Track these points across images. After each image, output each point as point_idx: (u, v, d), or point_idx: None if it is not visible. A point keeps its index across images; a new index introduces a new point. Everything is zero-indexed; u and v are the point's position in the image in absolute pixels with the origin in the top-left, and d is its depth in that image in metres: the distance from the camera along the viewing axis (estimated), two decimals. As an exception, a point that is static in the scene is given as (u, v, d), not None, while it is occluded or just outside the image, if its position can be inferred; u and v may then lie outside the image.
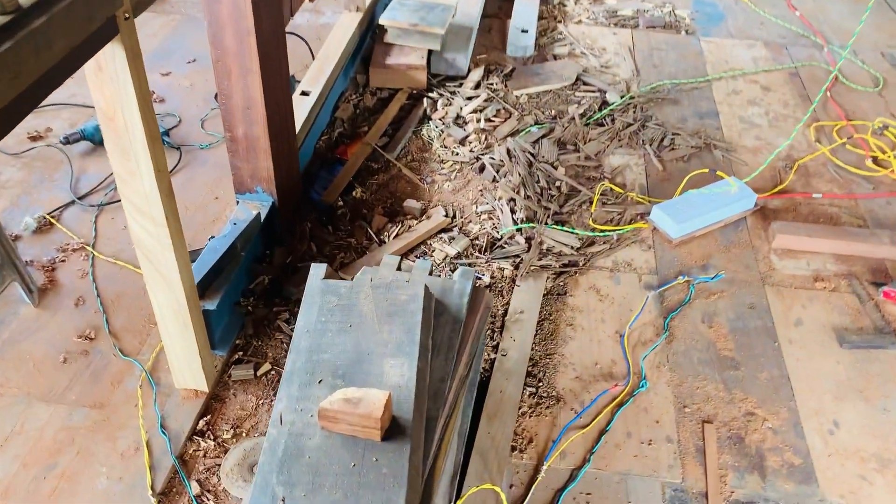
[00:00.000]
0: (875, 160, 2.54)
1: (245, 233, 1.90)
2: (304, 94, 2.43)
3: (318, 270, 1.49)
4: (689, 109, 2.79)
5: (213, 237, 1.89)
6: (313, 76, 2.52)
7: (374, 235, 2.16)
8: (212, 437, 1.65)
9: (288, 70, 2.02)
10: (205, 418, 1.68)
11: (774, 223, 2.22)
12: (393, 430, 1.22)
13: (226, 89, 1.83)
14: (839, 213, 2.33)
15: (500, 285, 2.03)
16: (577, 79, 2.90)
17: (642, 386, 1.79)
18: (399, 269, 1.66)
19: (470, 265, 2.08)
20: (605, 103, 2.78)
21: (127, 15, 1.19)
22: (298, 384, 1.29)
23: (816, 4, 3.58)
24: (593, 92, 2.84)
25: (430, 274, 1.65)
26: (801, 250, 2.18)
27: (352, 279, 1.98)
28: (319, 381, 1.30)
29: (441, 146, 2.56)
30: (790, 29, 3.35)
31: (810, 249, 2.17)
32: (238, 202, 2.04)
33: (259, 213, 1.97)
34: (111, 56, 1.20)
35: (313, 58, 2.65)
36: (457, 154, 2.52)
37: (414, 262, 2.05)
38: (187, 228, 2.19)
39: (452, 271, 2.06)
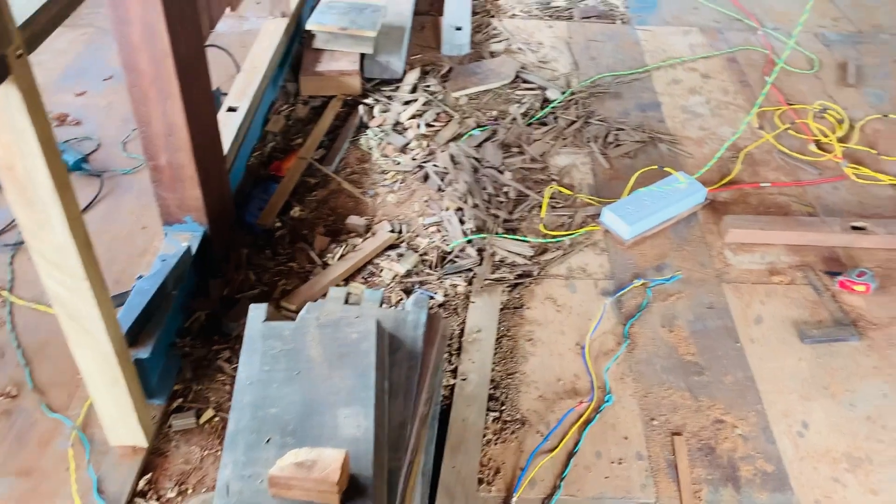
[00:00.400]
0: (818, 144, 2.53)
1: (176, 269, 1.76)
2: (231, 109, 2.28)
3: (257, 312, 1.37)
4: (631, 102, 2.74)
5: (140, 276, 1.75)
6: (240, 89, 2.38)
7: (316, 258, 2.05)
8: (155, 497, 1.52)
9: (211, 88, 1.88)
10: (146, 477, 1.55)
11: (726, 217, 2.19)
12: (352, 490, 1.11)
13: (144, 116, 1.68)
14: (788, 202, 2.31)
15: (454, 303, 1.94)
16: (517, 76, 2.82)
17: (608, 400, 1.73)
18: (347, 301, 1.55)
19: (421, 283, 1.98)
20: (546, 101, 2.71)
21: (19, 52, 1.05)
22: (244, 446, 1.17)
23: (747, -14, 3.58)
24: (534, 89, 2.76)
25: (382, 304, 1.55)
26: (754, 243, 2.15)
27: (296, 309, 1.87)
28: (267, 441, 1.18)
29: (381, 155, 2.44)
30: (724, 13, 3.34)
31: (763, 242, 2.15)
32: (166, 234, 1.90)
33: (189, 246, 1.84)
34: (5, 100, 1.06)
35: (238, 69, 2.50)
36: (398, 163, 2.41)
37: (362, 286, 1.95)
38: (113, 263, 2.04)
39: (404, 291, 1.97)
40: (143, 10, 1.54)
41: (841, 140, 2.56)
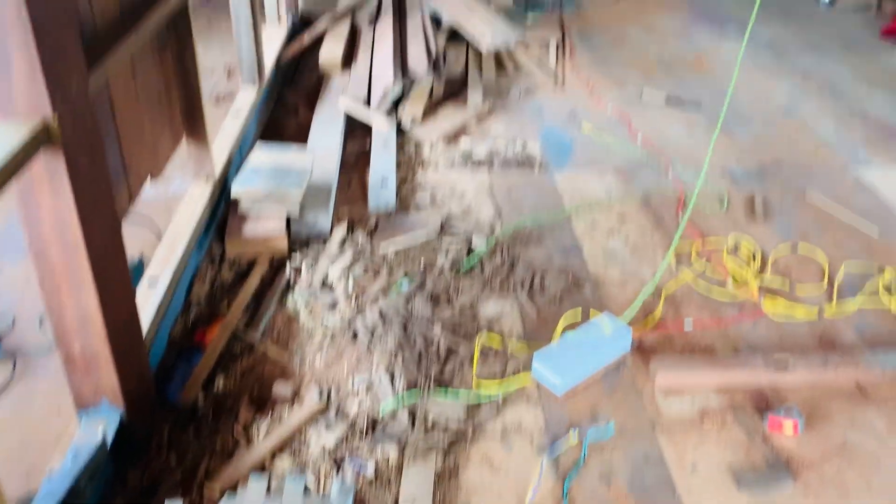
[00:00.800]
0: (735, 280, 2.63)
1: (90, 463, 1.66)
2: (152, 281, 2.25)
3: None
4: (554, 247, 2.82)
5: (51, 472, 1.64)
6: (163, 258, 2.35)
7: (241, 434, 1.97)
8: None
9: (128, 270, 1.86)
10: None
11: (653, 362, 2.22)
12: None
13: (56, 306, 1.64)
14: (712, 342, 2.36)
15: (386, 474, 1.88)
16: (442, 227, 2.89)
17: (550, 572, 1.66)
18: (269, 488, 1.49)
19: (352, 453, 1.92)
20: (471, 250, 2.76)
21: None
22: None
23: (654, 127, 3.81)
24: (459, 239, 2.82)
25: (306, 490, 1.49)
26: (683, 387, 2.17)
27: (218, 495, 1.77)
28: None
29: (309, 316, 2.42)
30: (635, 154, 3.53)
31: (692, 385, 2.17)
32: (80, 420, 1.81)
33: (105, 436, 1.75)
34: None
35: (161, 237, 2.49)
36: (326, 324, 2.39)
37: (288, 465, 1.87)
38: (26, 452, 1.92)
39: (334, 461, 1.89)
40: (53, 200, 1.53)
41: (756, 275, 2.66)
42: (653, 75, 4.50)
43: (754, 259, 2.74)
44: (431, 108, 3.83)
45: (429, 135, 3.61)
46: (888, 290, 2.58)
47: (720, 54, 4.84)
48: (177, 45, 2.50)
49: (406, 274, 2.60)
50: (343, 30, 4.55)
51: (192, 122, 2.62)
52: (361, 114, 3.65)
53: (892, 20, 5.40)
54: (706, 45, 5.01)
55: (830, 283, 2.63)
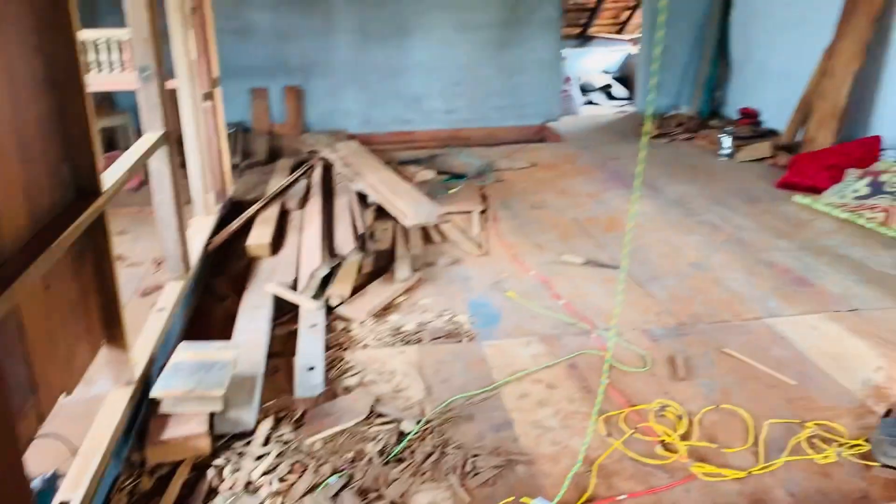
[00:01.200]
0: (664, 445, 2.65)
1: None
2: None
3: None
4: (485, 423, 2.80)
5: None
6: (76, 475, 2.25)
7: None
8: None
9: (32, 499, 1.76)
10: None
11: (588, 544, 2.17)
12: None
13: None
14: (646, 514, 2.34)
15: None
16: (371, 410, 2.86)
17: None
18: None
19: None
20: (401, 434, 2.73)
21: None
22: None
23: (577, 290, 3.94)
24: (389, 423, 2.79)
25: None
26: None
27: None
28: None
29: (233, 523, 2.32)
30: (560, 319, 3.62)
31: (629, 565, 2.12)
32: None
33: None
34: None
35: (76, 451, 2.39)
36: (251, 530, 2.28)
37: None
38: None
39: None
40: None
41: (683, 437, 2.69)
42: (572, 238, 4.72)
43: (680, 420, 2.78)
44: (360, 285, 3.90)
45: (358, 312, 3.66)
46: (811, 444, 2.63)
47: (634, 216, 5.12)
48: (94, 251, 2.53)
49: (334, 469, 2.54)
50: (272, 213, 4.69)
51: (111, 329, 2.60)
52: (289, 297, 3.68)
53: (786, 171, 5.86)
54: (619, 206, 5.31)
55: (756, 442, 2.66)
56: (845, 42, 5.92)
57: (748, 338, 3.40)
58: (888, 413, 2.66)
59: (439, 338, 3.46)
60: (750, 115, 7.45)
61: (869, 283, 3.95)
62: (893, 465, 2.48)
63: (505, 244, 4.63)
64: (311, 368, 3.08)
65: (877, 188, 5.09)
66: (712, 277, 4.08)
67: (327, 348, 3.35)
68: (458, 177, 5.94)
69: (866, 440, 2.62)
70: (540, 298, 3.87)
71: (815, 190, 5.43)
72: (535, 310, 3.73)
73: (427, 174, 5.70)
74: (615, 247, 4.53)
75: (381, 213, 4.82)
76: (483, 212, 5.15)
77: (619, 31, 11.57)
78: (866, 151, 5.65)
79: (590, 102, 9.71)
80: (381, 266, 4.18)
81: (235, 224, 4.49)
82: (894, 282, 3.97)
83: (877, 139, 5.71)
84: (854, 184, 5.27)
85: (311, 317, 3.52)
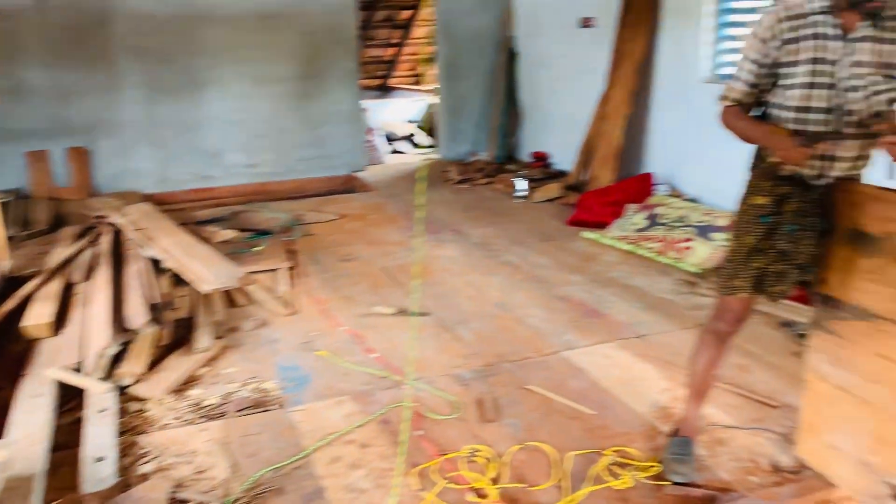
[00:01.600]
0: (476, 492, 2.67)
1: None
2: None
3: None
4: (295, 495, 2.69)
5: None
6: None
7: None
8: None
9: None
10: None
11: None
12: None
13: None
14: (461, 566, 2.34)
15: None
16: (172, 498, 2.64)
17: None
18: None
19: None
20: (205, 519, 2.55)
21: None
22: None
23: (389, 342, 3.94)
24: (191, 509, 2.60)
25: None
26: None
27: None
28: None
29: None
30: (372, 373, 3.59)
31: None
32: None
33: None
34: None
35: None
36: None
37: None
38: None
39: None
40: None
41: (494, 481, 2.74)
42: (382, 288, 4.73)
43: (490, 463, 2.83)
44: (157, 359, 3.64)
45: (154, 390, 3.40)
46: (610, 471, 2.78)
47: (440, 261, 5.24)
48: None
49: (128, 568, 2.31)
50: (54, 288, 4.29)
51: None
52: (74, 381, 3.36)
53: (575, 209, 6.29)
54: (428, 252, 5.42)
55: (561, 475, 2.77)
56: (615, 90, 6.52)
57: (549, 372, 3.56)
58: (674, 433, 2.87)
59: (245, 409, 3.29)
60: (541, 158, 7.96)
61: (651, 310, 4.30)
62: (682, 483, 2.68)
63: (315, 300, 4.55)
64: (100, 459, 2.81)
65: (653, 220, 5.60)
66: (515, 316, 4.25)
67: (120, 434, 3.07)
68: (264, 233, 5.78)
69: (658, 461, 2.82)
70: (352, 354, 3.82)
71: (601, 225, 5.87)
72: (347, 367, 3.68)
73: (229, 233, 5.49)
74: (425, 294, 4.60)
75: (180, 278, 4.57)
76: (291, 268, 5.04)
77: (418, 83, 11.99)
78: (642, 187, 6.22)
79: (396, 151, 9.92)
80: (181, 336, 3.93)
81: (10, 304, 4.05)
82: (673, 306, 4.36)
83: (649, 176, 6.30)
84: (633, 217, 5.76)
85: (99, 401, 3.22)
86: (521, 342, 3.90)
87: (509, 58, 8.34)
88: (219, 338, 3.93)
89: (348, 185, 7.91)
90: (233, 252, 5.08)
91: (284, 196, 7.45)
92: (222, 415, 3.24)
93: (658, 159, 6.47)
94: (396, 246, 5.60)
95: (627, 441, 2.98)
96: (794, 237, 2.45)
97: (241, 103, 7.53)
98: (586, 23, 7.13)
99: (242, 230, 5.78)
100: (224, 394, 3.41)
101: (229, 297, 4.49)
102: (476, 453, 2.90)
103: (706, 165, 5.78)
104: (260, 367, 3.68)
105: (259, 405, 3.32)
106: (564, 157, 7.52)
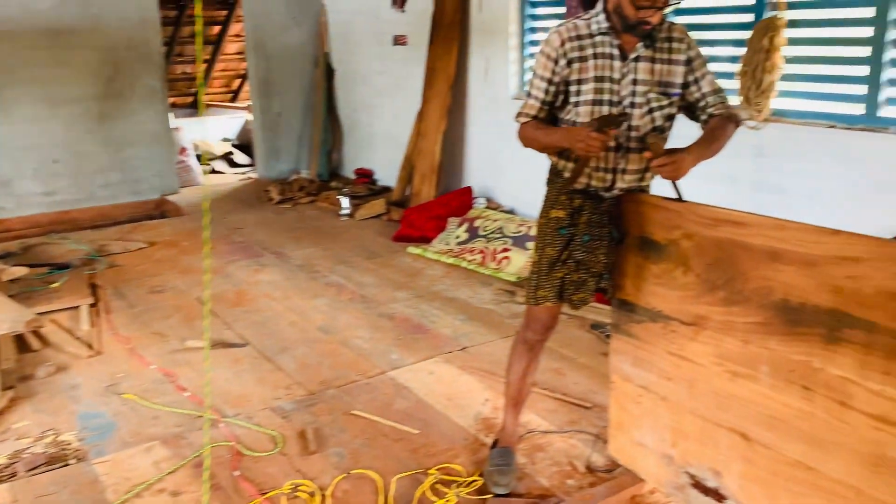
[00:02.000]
0: (298, 529, 2.56)
1: None
2: None
3: None
4: (97, 559, 2.45)
5: None
6: None
7: None
8: None
9: None
10: None
11: None
12: None
13: None
14: None
15: None
16: (-57, 583, 2.31)
17: None
18: None
19: None
20: None
21: None
22: None
23: (203, 377, 3.70)
24: (-32, 593, 2.28)
25: None
26: None
27: None
28: None
29: None
30: (185, 413, 3.36)
31: None
32: None
33: None
34: None
35: None
36: None
37: None
38: None
39: None
40: None
41: (317, 515, 2.64)
42: (197, 320, 4.47)
43: (313, 498, 2.73)
44: (-72, 422, 3.20)
45: (-75, 458, 2.98)
46: (434, 491, 2.77)
47: (260, 287, 5.05)
48: None
49: None
50: None
51: None
52: None
53: (400, 225, 6.31)
54: (246, 279, 5.20)
55: (386, 501, 2.72)
56: (431, 106, 6.62)
57: (375, 394, 3.51)
58: (495, 444, 2.92)
59: (38, 466, 2.96)
60: (365, 175, 7.93)
61: (473, 321, 4.38)
62: (503, 494, 2.72)
63: (120, 339, 4.21)
64: None
65: (473, 233, 5.73)
66: (339, 339, 4.16)
67: None
68: (62, 267, 5.29)
69: (480, 474, 2.85)
70: (162, 395, 3.56)
71: (426, 240, 5.93)
72: (157, 408, 3.42)
73: (19, 270, 4.96)
74: (244, 323, 4.40)
75: (-41, 325, 4.05)
76: (93, 305, 4.64)
77: (233, 99, 11.58)
78: (462, 201, 6.35)
79: (213, 171, 9.49)
80: (-40, 391, 3.48)
81: None
82: (493, 316, 4.47)
83: (469, 189, 6.46)
84: (455, 231, 5.87)
85: None
86: (346, 366, 3.83)
87: (327, 74, 8.25)
88: (8, 388, 3.52)
89: (159, 210, 7.45)
90: (24, 291, 4.60)
91: (87, 225, 6.87)
92: (12, 476, 2.89)
93: (476, 173, 6.65)
94: (212, 274, 5.32)
95: (452, 457, 2.99)
96: (590, 247, 2.57)
97: (31, 127, 6.86)
98: (399, 40, 7.21)
99: (36, 265, 5.25)
100: (13, 452, 3.05)
101: (22, 343, 4.05)
102: (298, 488, 2.79)
103: (519, 178, 6.00)
104: (56, 419, 3.33)
105: (55, 461, 3.00)
106: (388, 173, 7.54)
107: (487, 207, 6.18)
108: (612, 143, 2.43)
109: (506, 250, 5.33)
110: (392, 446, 3.08)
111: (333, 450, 3.06)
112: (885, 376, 1.93)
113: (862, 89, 3.89)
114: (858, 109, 3.92)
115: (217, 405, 3.42)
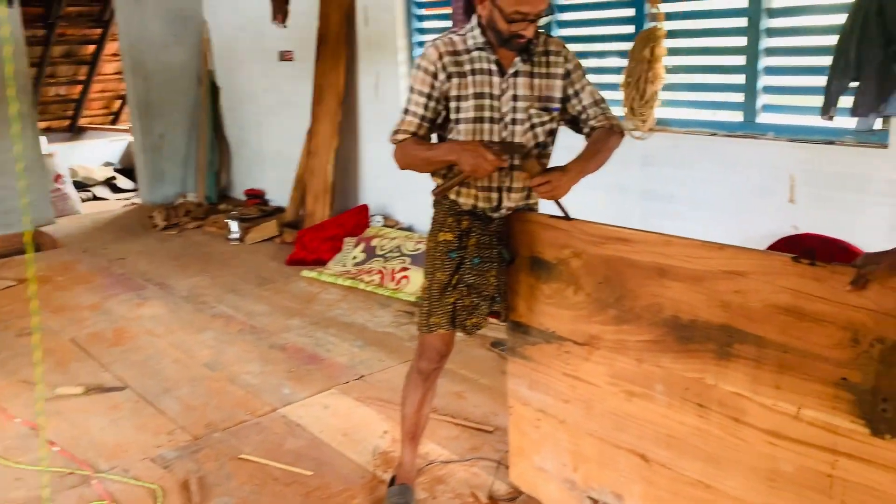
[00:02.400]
0: None
1: None
2: None
3: None
4: None
5: None
6: None
7: None
8: None
9: None
10: None
11: None
12: None
13: None
14: None
15: None
16: None
17: None
18: None
19: None
20: None
21: None
22: None
23: (76, 429, 3.39)
24: None
25: None
26: None
27: None
28: None
29: None
30: (55, 471, 3.04)
31: None
32: None
33: None
34: None
35: None
36: None
37: None
38: None
39: None
40: None
41: (200, 578, 2.41)
42: (71, 363, 4.11)
43: (197, 559, 2.50)
44: None
45: None
46: (329, 537, 2.59)
47: (142, 322, 4.71)
48: None
49: None
50: None
51: None
52: None
53: (294, 247, 6.07)
54: (126, 314, 4.85)
55: (277, 553, 2.52)
56: (322, 124, 6.43)
57: (265, 435, 3.29)
58: (392, 481, 2.76)
59: None
60: (256, 196, 7.64)
61: (371, 346, 4.22)
62: (405, 534, 2.57)
63: (-20, 391, 3.80)
64: None
65: (370, 253, 5.57)
66: (227, 375, 3.91)
67: None
68: (-86, 314, 4.77)
69: (379, 514, 2.69)
70: (28, 451, 3.22)
71: (321, 262, 5.72)
72: (21, 468, 3.08)
73: None
74: (123, 364, 4.08)
75: None
76: (-51, 354, 4.19)
77: (114, 122, 10.98)
78: (358, 220, 6.18)
79: (94, 198, 8.93)
80: None
81: None
82: (392, 339, 4.32)
83: (365, 207, 6.29)
84: (352, 251, 5.69)
85: None
86: (234, 405, 3.58)
87: (212, 92, 7.91)
88: None
89: (31, 244, 6.90)
90: None
91: (-52, 264, 6.28)
92: None
93: (371, 190, 6.49)
94: (90, 310, 4.93)
95: (349, 498, 2.82)
96: (480, 269, 2.47)
97: None
98: (285, 56, 6.98)
99: None
100: None
101: None
102: (180, 549, 2.55)
103: (416, 194, 5.88)
104: None
105: None
106: (281, 194, 7.28)
107: (384, 226, 6.04)
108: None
109: (404, 269, 5.20)
110: (283, 491, 2.87)
111: (219, 500, 2.83)
112: (776, 390, 1.90)
113: (739, 97, 3.98)
114: (737, 117, 4.01)
115: (90, 459, 3.12)
